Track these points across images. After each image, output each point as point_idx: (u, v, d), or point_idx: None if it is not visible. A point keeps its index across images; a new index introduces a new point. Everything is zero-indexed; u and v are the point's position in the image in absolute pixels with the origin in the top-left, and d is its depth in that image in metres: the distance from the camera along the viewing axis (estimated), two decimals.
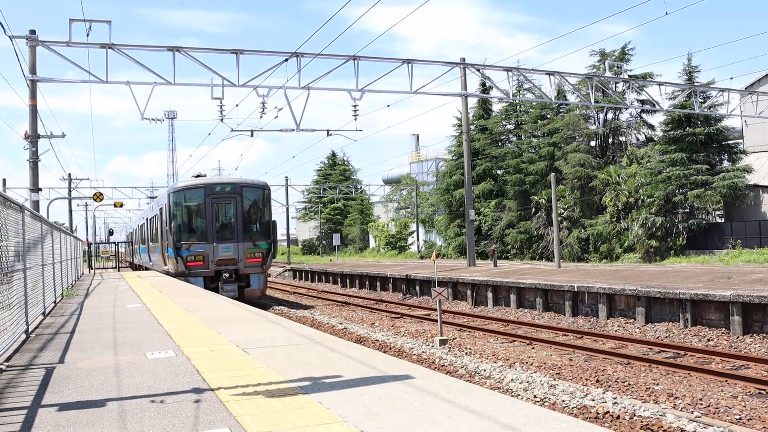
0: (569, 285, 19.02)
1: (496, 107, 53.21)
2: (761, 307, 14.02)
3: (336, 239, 60.52)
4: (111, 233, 70.71)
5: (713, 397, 9.58)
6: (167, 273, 25.13)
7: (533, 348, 14.57)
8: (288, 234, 64.98)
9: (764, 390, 9.94)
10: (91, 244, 54.76)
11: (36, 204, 21.00)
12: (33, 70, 20.59)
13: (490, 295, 22.54)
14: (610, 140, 45.15)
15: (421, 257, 56.34)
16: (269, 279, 32.08)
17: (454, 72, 28.00)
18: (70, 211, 48.11)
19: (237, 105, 30.07)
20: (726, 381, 10.59)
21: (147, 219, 32.06)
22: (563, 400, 9.26)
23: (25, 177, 22.05)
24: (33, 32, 20.46)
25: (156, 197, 34.66)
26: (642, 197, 37.81)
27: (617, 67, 33.56)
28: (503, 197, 49.52)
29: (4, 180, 42.75)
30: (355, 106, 24.78)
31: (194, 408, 5.50)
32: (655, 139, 41.61)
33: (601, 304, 17.85)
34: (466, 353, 13.71)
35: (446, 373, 10.97)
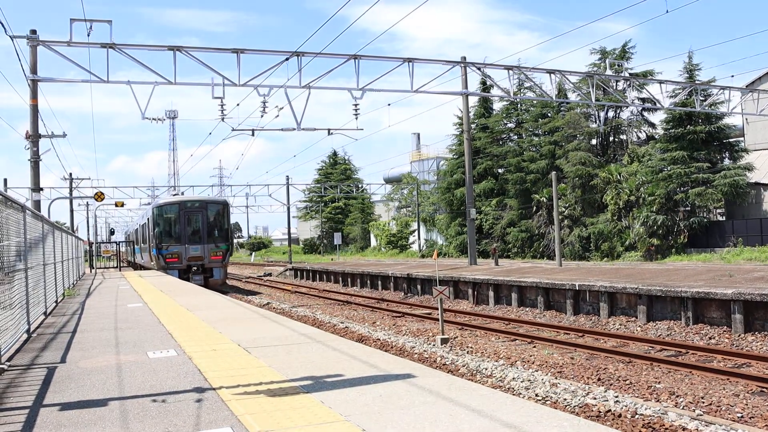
0: (570, 283, 19.01)
1: (497, 106, 53.25)
2: (763, 305, 14.00)
3: (337, 238, 60.51)
4: (112, 233, 70.74)
5: (715, 395, 9.57)
6: (152, 268, 31.75)
7: (535, 347, 14.56)
8: (289, 233, 64.98)
9: (766, 388, 9.93)
10: (93, 243, 54.78)
11: (37, 204, 21.01)
12: (34, 70, 20.60)
13: (491, 293, 22.53)
14: (611, 138, 45.13)
15: (423, 256, 56.33)
16: (229, 270, 39.54)
17: (455, 71, 27.99)
18: (72, 211, 48.15)
19: (238, 104, 30.11)
20: (728, 379, 10.58)
21: (140, 225, 38.84)
22: (565, 399, 9.26)
23: (27, 177, 22.06)
24: (34, 32, 20.47)
25: (150, 203, 41.61)
26: (643, 195, 37.79)
27: (618, 65, 33.48)
28: (504, 196, 49.50)
29: (6, 180, 42.79)
30: (356, 105, 24.77)
31: (196, 407, 5.50)
32: (656, 137, 41.59)
33: (603, 302, 17.84)
34: (467, 352, 13.71)
35: (448, 372, 10.97)
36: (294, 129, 25.56)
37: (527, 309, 20.74)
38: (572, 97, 42.20)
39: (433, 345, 14.57)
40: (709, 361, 12.24)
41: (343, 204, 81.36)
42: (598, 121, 44.32)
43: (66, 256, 21.58)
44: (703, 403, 9.15)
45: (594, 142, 45.03)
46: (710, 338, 14.35)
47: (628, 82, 37.57)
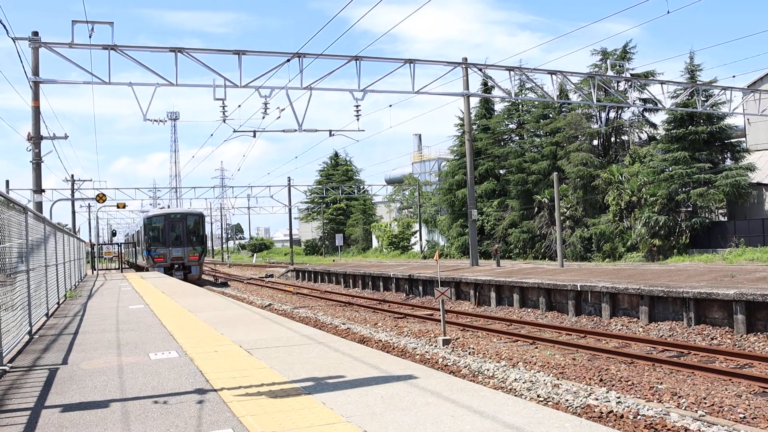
0: (572, 284, 19.00)
1: (499, 107, 53.21)
2: (765, 305, 13.98)
3: (339, 239, 60.48)
4: (114, 234, 70.85)
5: (717, 396, 9.56)
6: (144, 266, 39.92)
7: (536, 347, 14.55)
8: (291, 234, 64.96)
9: None
10: (95, 245, 54.84)
11: (39, 205, 21.03)
12: (36, 72, 20.63)
13: (493, 294, 22.52)
14: (613, 139, 45.10)
15: (424, 257, 56.32)
16: (204, 267, 49.80)
17: (456, 72, 27.99)
18: (73, 213, 48.21)
19: (239, 106, 30.04)
20: (730, 380, 10.57)
21: (135, 231, 47.32)
22: (567, 400, 9.25)
23: (29, 178, 22.10)
24: (36, 34, 20.50)
25: (143, 213, 51.82)
26: (645, 196, 37.75)
27: (619, 65, 33.45)
28: (506, 197, 49.48)
29: (8, 181, 42.84)
30: (357, 106, 24.77)
31: (197, 409, 5.50)
32: (658, 137, 41.54)
33: (605, 303, 17.83)
34: (469, 353, 13.70)
35: (449, 373, 10.96)
36: (295, 130, 25.57)
37: (529, 310, 20.73)
38: (574, 97, 42.16)
39: (435, 346, 14.56)
40: (711, 361, 12.22)
41: (345, 205, 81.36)
42: (599, 122, 44.28)
43: (68, 257, 21.59)
44: (706, 403, 9.13)
45: (595, 142, 44.99)
46: (712, 339, 14.33)
47: (629, 83, 37.55)
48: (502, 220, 48.22)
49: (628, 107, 40.60)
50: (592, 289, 18.35)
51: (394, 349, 14.50)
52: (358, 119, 25.43)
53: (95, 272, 45.92)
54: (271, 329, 10.53)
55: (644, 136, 44.52)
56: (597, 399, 9.18)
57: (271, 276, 49.34)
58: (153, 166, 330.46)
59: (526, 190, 46.55)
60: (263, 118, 24.08)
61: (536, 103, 46.53)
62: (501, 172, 51.39)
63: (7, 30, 17.53)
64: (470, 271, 26.82)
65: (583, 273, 23.23)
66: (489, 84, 41.29)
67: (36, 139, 21.31)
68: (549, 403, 9.19)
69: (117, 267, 52.67)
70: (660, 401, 9.37)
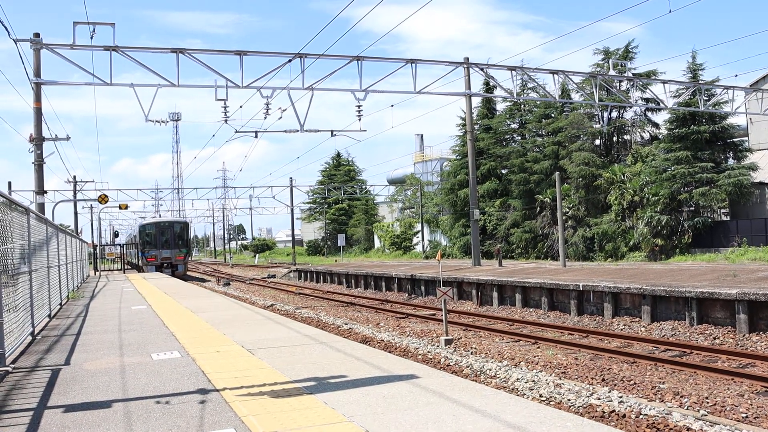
0: (574, 284, 18.99)
1: (500, 106, 53.17)
2: (767, 305, 13.97)
3: (341, 240, 60.47)
4: (116, 235, 70.89)
5: (719, 395, 9.55)
6: (140, 265, 46.45)
7: (539, 347, 14.55)
8: (293, 235, 64.94)
9: None
10: (97, 246, 54.93)
11: (41, 206, 21.06)
12: (37, 73, 20.65)
13: (495, 294, 22.51)
14: (615, 139, 45.06)
15: (426, 257, 56.31)
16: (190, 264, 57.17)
17: (458, 71, 27.98)
18: (76, 214, 48.23)
19: (241, 106, 30.07)
20: (732, 379, 10.56)
21: (133, 236, 53.31)
22: (569, 399, 9.24)
23: (31, 179, 22.12)
24: (37, 35, 20.52)
25: (143, 218, 58.50)
26: (647, 196, 37.72)
27: (621, 65, 33.40)
28: (508, 196, 49.45)
29: (10, 183, 42.84)
30: (359, 106, 24.76)
31: (199, 409, 5.51)
32: (660, 137, 41.48)
33: (607, 302, 17.82)
34: (471, 353, 13.70)
35: (452, 373, 10.96)
36: (297, 130, 25.55)
37: (531, 310, 20.72)
38: (575, 97, 42.12)
39: (437, 346, 14.56)
40: (713, 361, 12.21)
41: (347, 205, 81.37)
42: (601, 122, 44.21)
43: (70, 258, 21.62)
44: (708, 403, 9.13)
45: (597, 142, 44.95)
46: (714, 338, 14.31)
47: (631, 82, 37.45)
48: (504, 220, 48.20)
49: (630, 107, 40.53)
50: (595, 289, 18.34)
51: (396, 349, 14.50)
52: (359, 119, 25.43)
53: (97, 273, 45.97)
54: (273, 329, 10.54)
55: (646, 136, 44.47)
56: (599, 398, 9.18)
57: (274, 276, 49.36)
58: (155, 167, 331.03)
59: (528, 189, 46.52)
60: (265, 118, 24.09)
61: (538, 102, 46.49)
62: (503, 171, 51.36)
63: (8, 31, 17.56)
64: (472, 271, 26.82)
65: (585, 273, 23.22)
66: (491, 84, 41.22)
67: (38, 140, 21.34)
68: (551, 403, 9.18)
69: (119, 268, 52.94)
70: (662, 401, 9.36)
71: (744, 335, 14.07)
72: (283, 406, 5.46)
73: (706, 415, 8.46)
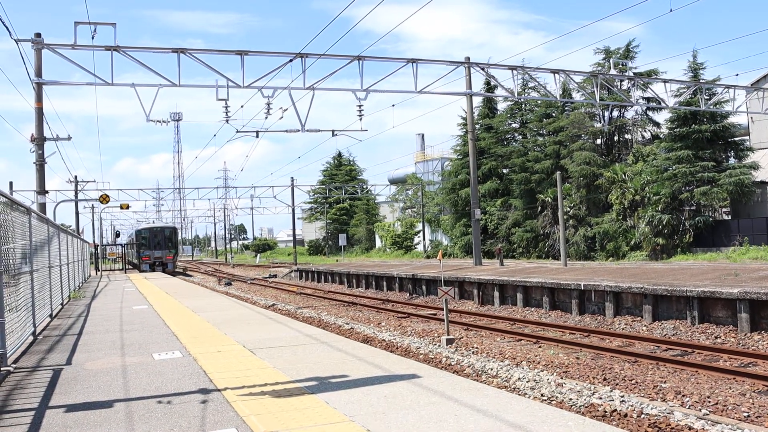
0: (576, 283, 18.97)
1: (501, 106, 53.12)
2: None
3: (342, 239, 60.42)
4: (117, 235, 70.91)
5: (721, 394, 9.54)
6: (137, 264, 52.67)
7: (540, 347, 14.54)
8: (294, 235, 64.93)
9: None
10: (98, 246, 55.01)
11: (43, 206, 21.07)
12: (39, 73, 20.67)
13: (496, 294, 22.51)
14: (616, 138, 45.02)
15: (427, 257, 56.30)
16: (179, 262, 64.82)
17: (459, 71, 27.99)
18: (77, 214, 48.28)
19: (242, 106, 30.07)
20: (734, 378, 10.55)
21: (132, 238, 59.37)
22: (570, 399, 9.24)
23: (32, 179, 22.14)
24: (38, 35, 20.53)
25: (141, 221, 69.24)
26: (648, 195, 37.69)
27: (622, 64, 33.38)
28: (509, 196, 49.43)
29: (11, 183, 42.89)
30: (360, 106, 24.75)
31: (201, 408, 5.51)
32: (661, 136, 41.44)
33: (608, 302, 17.81)
34: (472, 352, 13.70)
35: (453, 373, 10.95)
36: (298, 130, 25.55)
37: (532, 309, 20.71)
38: (576, 96, 42.07)
39: (439, 345, 14.55)
40: (715, 360, 12.20)
41: (348, 205, 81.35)
42: (602, 121, 44.05)
43: (71, 258, 21.64)
44: (710, 402, 9.12)
45: (598, 141, 44.91)
46: (716, 337, 14.30)
47: (632, 82, 37.41)
48: (506, 220, 48.18)
49: (631, 106, 40.50)
50: (596, 288, 18.33)
51: (397, 348, 14.49)
52: (360, 119, 25.42)
53: (99, 273, 46.02)
54: (274, 329, 10.54)
55: (647, 135, 44.42)
56: (601, 398, 9.17)
57: (275, 276, 49.37)
58: (156, 166, 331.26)
59: (529, 189, 46.50)
60: (266, 118, 24.10)
61: (539, 102, 46.45)
62: (504, 171, 51.33)
63: (10, 32, 17.57)
64: (473, 271, 26.81)
65: (586, 272, 23.21)
66: (492, 83, 41.22)
67: (39, 140, 21.35)
68: (552, 402, 9.18)
69: (120, 268, 53.43)
70: (664, 400, 9.35)
71: (746, 334, 14.06)
72: (285, 405, 5.46)
73: (707, 415, 8.45)
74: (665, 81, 30.62)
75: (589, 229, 41.07)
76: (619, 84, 37.98)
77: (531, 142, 49.02)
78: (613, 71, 32.55)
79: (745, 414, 8.55)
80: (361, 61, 23.32)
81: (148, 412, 5.47)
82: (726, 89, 31.99)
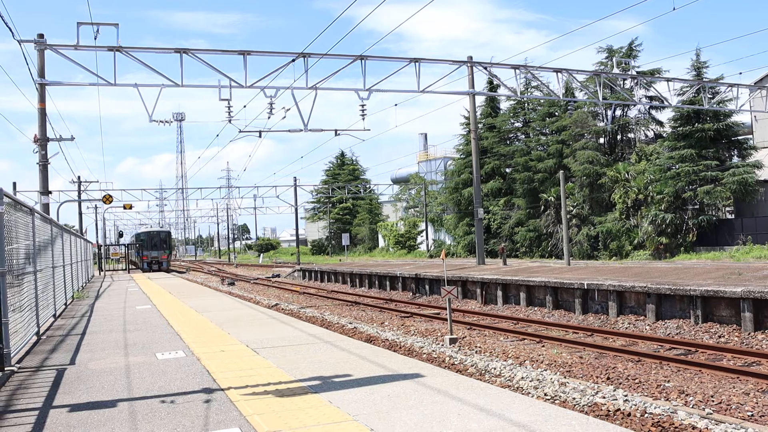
0: (579, 283, 18.96)
1: (504, 105, 53.06)
2: None
3: (345, 239, 60.45)
4: (121, 235, 71.07)
5: (725, 394, 9.53)
6: (137, 263, 58.37)
7: (543, 346, 14.53)
8: (297, 234, 64.95)
9: None
10: (101, 246, 55.12)
11: (46, 207, 21.11)
12: (41, 74, 20.71)
13: (499, 293, 22.50)
14: (619, 137, 44.96)
15: (431, 256, 56.29)
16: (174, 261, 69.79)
17: (462, 70, 27.98)
18: (80, 214, 48.40)
19: (245, 106, 30.07)
20: (737, 378, 10.53)
21: (133, 240, 65.54)
22: (574, 398, 9.23)
23: (35, 180, 22.19)
24: (41, 36, 20.58)
25: (143, 224, 78.18)
26: (651, 194, 37.63)
27: (625, 63, 33.39)
28: (512, 195, 49.40)
29: (15, 183, 43.03)
30: (362, 105, 24.75)
31: (204, 408, 5.51)
32: (664, 135, 41.37)
33: (611, 301, 17.79)
34: (476, 351, 13.69)
35: (456, 372, 10.95)
36: (301, 130, 25.56)
37: (536, 308, 20.69)
38: (579, 95, 42.03)
39: (442, 345, 14.55)
40: (718, 359, 12.18)
41: (351, 205, 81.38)
42: (605, 120, 44.12)
43: (75, 258, 21.68)
44: (713, 401, 9.11)
45: (602, 140, 44.85)
46: (720, 337, 14.28)
47: (635, 81, 37.41)
48: (509, 219, 48.15)
49: (634, 105, 40.46)
50: (599, 288, 18.31)
51: (400, 347, 14.50)
52: (363, 119, 25.43)
53: (102, 273, 46.11)
54: (277, 329, 10.55)
55: (650, 134, 44.35)
56: (604, 397, 9.16)
57: (278, 276, 49.40)
58: (159, 167, 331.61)
59: (532, 188, 46.46)
60: (269, 118, 24.14)
61: (542, 101, 46.39)
62: (507, 170, 51.29)
63: (12, 33, 17.61)
64: (477, 270, 26.80)
65: (589, 271, 23.18)
66: (494, 82, 41.25)
67: (42, 140, 21.40)
68: (556, 402, 9.17)
69: (124, 268, 53.74)
70: (667, 399, 9.34)
71: (749, 333, 14.04)
72: (288, 405, 5.47)
73: (711, 414, 8.44)
74: (668, 80, 30.58)
75: (592, 228, 41.02)
76: (622, 83, 37.94)
77: (534, 142, 48.97)
78: (615, 70, 32.52)
79: (749, 413, 8.54)
80: (363, 61, 23.33)
81: (152, 411, 5.48)
82: (729, 88, 31.94)
